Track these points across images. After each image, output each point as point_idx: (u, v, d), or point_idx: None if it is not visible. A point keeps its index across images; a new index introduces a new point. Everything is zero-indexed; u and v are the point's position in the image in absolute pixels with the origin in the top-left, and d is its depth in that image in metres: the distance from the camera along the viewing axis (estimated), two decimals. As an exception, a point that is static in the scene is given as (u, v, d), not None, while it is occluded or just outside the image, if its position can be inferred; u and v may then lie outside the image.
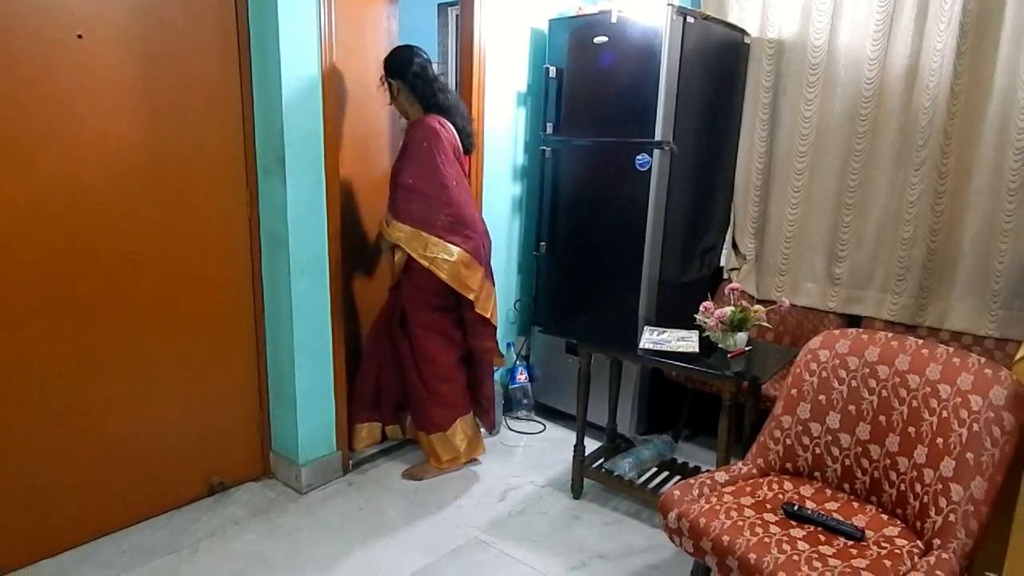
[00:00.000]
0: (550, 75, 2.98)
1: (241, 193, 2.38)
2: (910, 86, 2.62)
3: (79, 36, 1.94)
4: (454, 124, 2.44)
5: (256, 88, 2.32)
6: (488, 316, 2.51)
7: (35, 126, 1.90)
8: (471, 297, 2.44)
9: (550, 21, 3.01)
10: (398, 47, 2.47)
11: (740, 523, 1.66)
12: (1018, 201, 2.45)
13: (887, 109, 2.69)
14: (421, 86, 2.42)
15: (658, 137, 2.70)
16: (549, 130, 3.04)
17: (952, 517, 1.55)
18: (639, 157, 2.75)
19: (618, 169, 2.83)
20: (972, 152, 2.54)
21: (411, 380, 2.58)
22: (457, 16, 2.87)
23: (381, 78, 2.47)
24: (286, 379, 2.48)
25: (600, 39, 2.81)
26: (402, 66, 2.42)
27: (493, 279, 2.58)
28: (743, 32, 2.97)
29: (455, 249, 2.40)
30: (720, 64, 2.94)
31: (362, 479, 2.64)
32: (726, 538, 1.61)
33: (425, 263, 2.39)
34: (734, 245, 3.18)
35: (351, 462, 2.69)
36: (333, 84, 2.37)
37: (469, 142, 2.52)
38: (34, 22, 1.86)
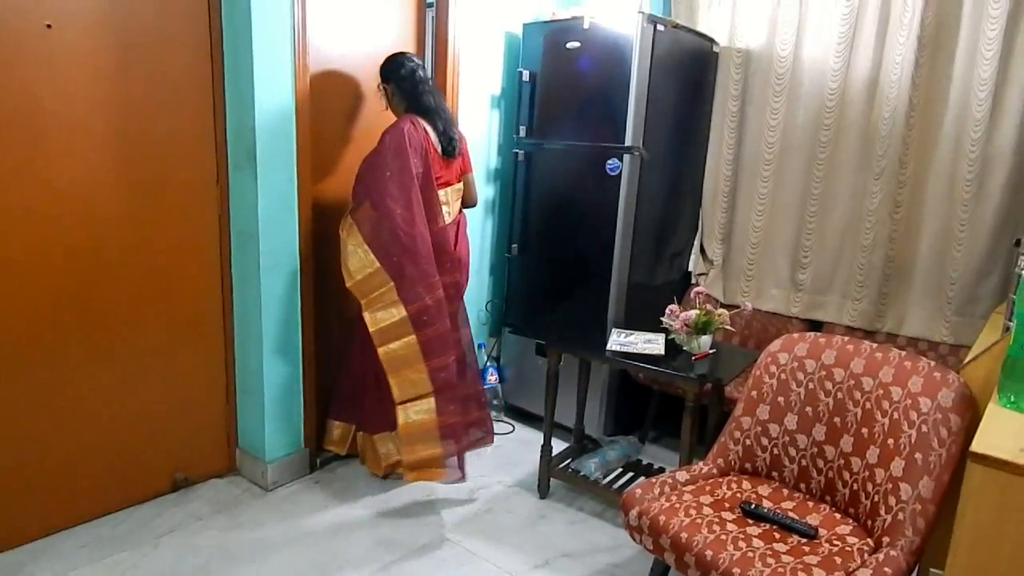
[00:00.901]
0: (523, 79, 3.02)
1: (211, 188, 2.37)
2: (871, 97, 2.70)
3: (48, 26, 1.92)
4: (434, 126, 2.43)
5: (228, 83, 2.32)
6: (365, 319, 2.28)
7: (0, 116, 1.87)
8: (347, 284, 2.28)
9: (524, 25, 3.04)
10: (392, 54, 2.48)
11: (698, 521, 1.70)
12: (971, 211, 2.54)
13: (849, 119, 2.76)
14: (408, 87, 2.42)
15: (628, 142, 2.74)
16: (522, 133, 3.07)
17: (901, 516, 1.61)
18: (609, 162, 2.79)
19: (589, 173, 2.87)
20: (928, 162, 2.62)
21: (367, 372, 2.49)
22: (433, 18, 2.89)
23: (378, 85, 2.48)
24: (254, 376, 2.47)
25: (573, 44, 2.85)
26: (392, 70, 2.43)
27: (411, 292, 2.27)
28: (712, 41, 3.03)
29: (356, 232, 2.28)
30: (689, 72, 2.99)
31: (330, 477, 2.63)
32: (684, 535, 1.65)
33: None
34: (702, 250, 3.23)
35: (319, 460, 2.68)
36: (306, 81, 2.37)
37: (451, 146, 2.47)
38: (0, 9, 1.83)
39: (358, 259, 2.27)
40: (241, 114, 2.29)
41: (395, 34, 2.76)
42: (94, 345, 2.16)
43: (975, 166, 2.50)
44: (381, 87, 2.48)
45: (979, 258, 2.55)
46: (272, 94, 2.28)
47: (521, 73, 3.02)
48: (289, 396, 2.54)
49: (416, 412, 2.34)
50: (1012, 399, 1.46)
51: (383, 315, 2.29)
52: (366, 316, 2.29)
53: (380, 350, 2.29)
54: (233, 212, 2.41)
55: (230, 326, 2.50)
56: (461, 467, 2.45)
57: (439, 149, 2.43)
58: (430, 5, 2.87)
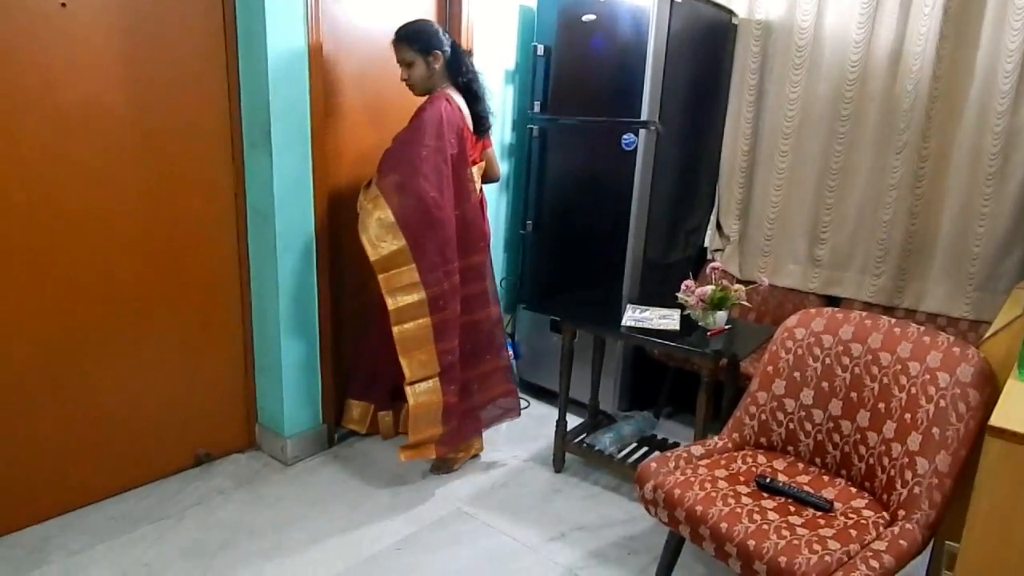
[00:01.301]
0: (538, 53, 2.99)
1: (227, 167, 2.38)
2: (893, 70, 2.64)
3: (63, 4, 1.93)
4: (468, 103, 2.37)
5: (242, 61, 2.32)
6: (384, 297, 2.25)
7: (16, 95, 1.89)
8: (371, 257, 2.21)
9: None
10: (420, 21, 2.34)
11: (713, 494, 1.71)
12: (995, 185, 2.49)
13: (871, 92, 2.71)
14: (458, 59, 2.31)
15: (644, 117, 2.72)
16: (536, 108, 3.05)
17: (917, 489, 1.61)
18: (625, 137, 2.77)
19: (604, 148, 2.85)
20: (952, 136, 2.57)
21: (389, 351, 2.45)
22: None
23: (413, 51, 2.27)
24: (272, 353, 2.50)
25: (588, 17, 2.81)
26: (441, 39, 2.30)
27: (432, 276, 2.27)
28: (731, 13, 2.98)
29: (383, 204, 2.21)
30: (707, 44, 2.95)
31: (348, 451, 2.67)
32: (699, 508, 1.66)
33: (358, 210, 2.28)
34: (718, 226, 3.21)
35: (336, 435, 2.72)
36: (321, 59, 2.37)
37: (484, 125, 2.42)
38: (16, -11, 1.84)
39: (383, 232, 2.21)
40: (255, 92, 2.30)
41: (414, 7, 2.73)
42: (116, 324, 2.20)
43: (1000, 140, 2.44)
44: (419, 57, 2.28)
45: (1002, 233, 2.50)
46: (286, 73, 2.28)
47: (536, 47, 2.99)
48: (306, 372, 2.57)
49: (424, 392, 2.33)
50: (1033, 374, 1.45)
51: (402, 296, 2.26)
52: (384, 294, 2.26)
53: (395, 329, 2.27)
54: (249, 191, 2.42)
55: (248, 304, 2.53)
56: (453, 442, 2.48)
57: (471, 127, 2.38)
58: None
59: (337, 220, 2.56)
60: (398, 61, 2.33)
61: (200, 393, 2.46)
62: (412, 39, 2.30)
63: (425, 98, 2.34)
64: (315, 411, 2.63)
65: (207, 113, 2.30)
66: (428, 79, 2.33)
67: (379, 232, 2.22)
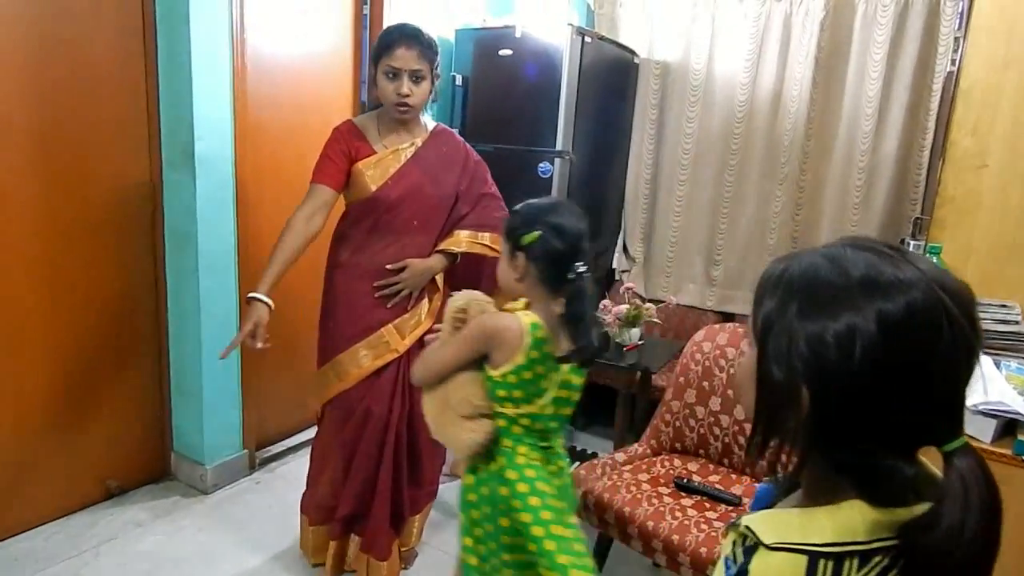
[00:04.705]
0: (456, 83, 3.10)
1: (144, 185, 2.32)
2: (775, 110, 2.98)
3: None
4: None
5: (163, 78, 2.28)
6: None
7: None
8: None
9: (456, 31, 3.13)
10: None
11: (639, 496, 1.87)
12: (861, 213, 2.86)
13: (756, 129, 3.04)
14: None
15: (559, 147, 2.89)
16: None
17: (811, 481, 1.83)
18: (541, 165, 2.93)
19: (521, 176, 2.99)
20: (825, 170, 2.93)
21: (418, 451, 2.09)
22: (366, 15, 2.92)
23: (428, 62, 1.82)
24: (191, 378, 2.44)
25: (505, 52, 2.97)
26: None
27: None
28: (633, 53, 3.24)
29: None
30: (613, 81, 3.18)
31: (270, 477, 2.63)
32: (627, 510, 1.81)
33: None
34: (624, 248, 3.44)
35: (258, 460, 2.67)
36: (245, 79, 2.37)
37: None
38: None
39: None
40: (177, 111, 2.26)
41: (333, 35, 2.78)
42: (17, 349, 2.08)
43: (864, 174, 2.82)
44: (430, 73, 1.84)
45: (867, 255, 2.87)
46: (211, 92, 2.26)
47: (454, 77, 3.10)
48: (227, 399, 2.51)
49: None
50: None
51: None
52: None
53: None
54: (168, 211, 2.36)
55: (164, 327, 2.45)
56: None
57: None
58: (365, 1, 2.91)
59: (258, 239, 2.53)
60: (401, 70, 1.79)
61: (110, 421, 2.35)
62: (431, 47, 1.82)
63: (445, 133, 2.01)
64: (236, 437, 2.57)
65: (122, 130, 2.24)
66: (424, 103, 1.89)
67: None
